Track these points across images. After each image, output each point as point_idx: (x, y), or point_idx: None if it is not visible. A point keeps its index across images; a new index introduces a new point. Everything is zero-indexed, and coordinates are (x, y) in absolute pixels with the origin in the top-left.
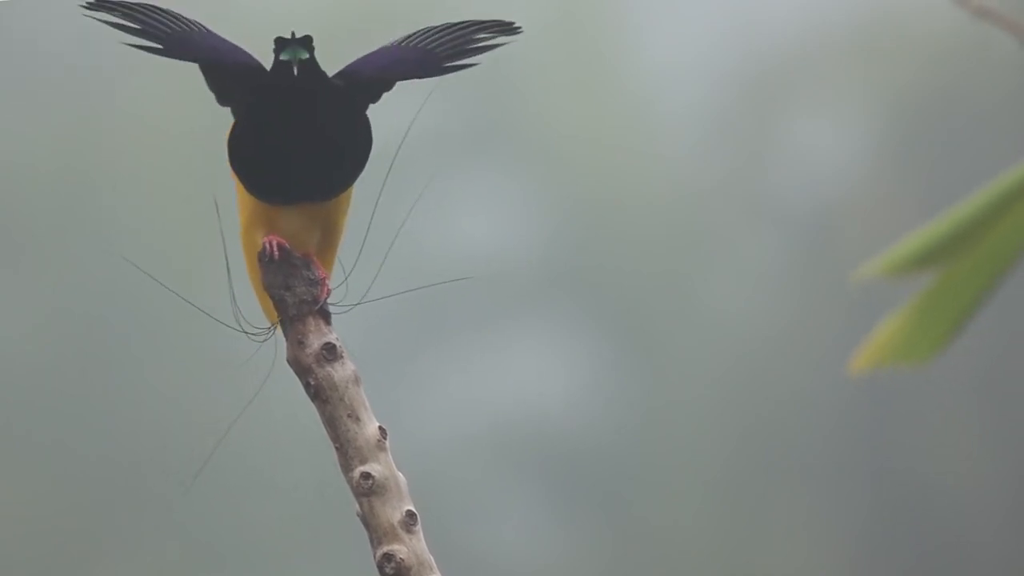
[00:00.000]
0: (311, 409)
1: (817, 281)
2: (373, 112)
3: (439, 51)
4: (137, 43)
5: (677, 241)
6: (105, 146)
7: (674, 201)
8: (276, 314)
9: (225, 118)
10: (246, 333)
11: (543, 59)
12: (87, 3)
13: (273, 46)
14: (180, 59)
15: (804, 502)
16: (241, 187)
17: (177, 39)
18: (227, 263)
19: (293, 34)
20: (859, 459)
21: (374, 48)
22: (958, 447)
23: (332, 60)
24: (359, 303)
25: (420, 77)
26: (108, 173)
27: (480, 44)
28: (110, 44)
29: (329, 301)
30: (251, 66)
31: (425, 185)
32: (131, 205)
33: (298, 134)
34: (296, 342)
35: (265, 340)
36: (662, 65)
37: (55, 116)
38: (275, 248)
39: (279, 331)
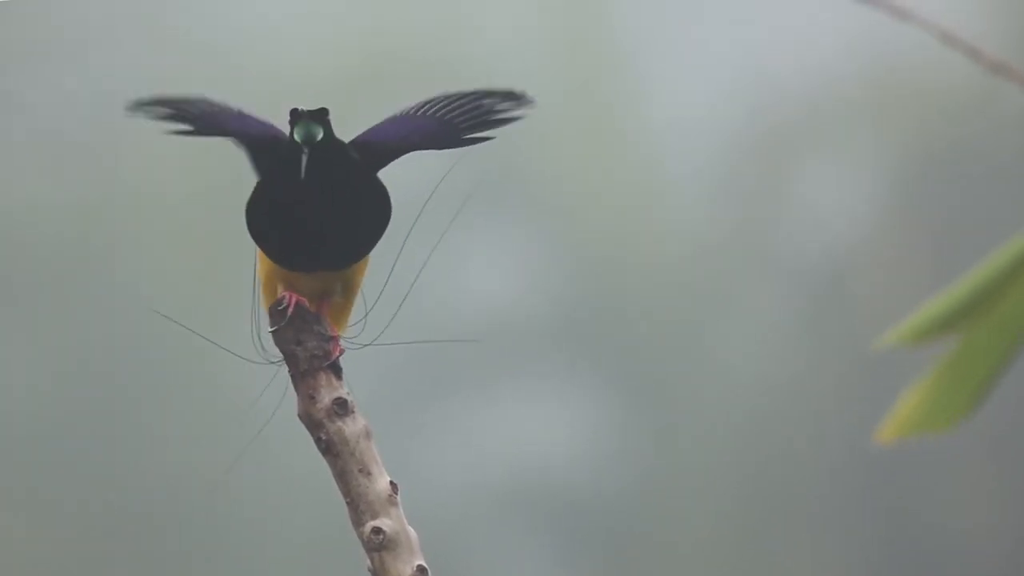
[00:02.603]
0: (322, 463)
1: (827, 336)
2: (391, 169)
3: (457, 122)
4: (173, 129)
5: (686, 296)
6: (118, 204)
7: (683, 257)
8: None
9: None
10: (267, 360)
11: (552, 116)
12: (130, 106)
13: (288, 116)
14: (209, 136)
15: (812, 556)
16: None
17: (206, 119)
18: (254, 289)
19: (301, 110)
20: (869, 516)
21: (385, 101)
22: (969, 497)
23: (345, 112)
24: (370, 344)
25: (439, 148)
26: (122, 228)
27: (499, 116)
28: (121, 101)
29: (345, 336)
30: (272, 138)
31: (436, 242)
32: (147, 257)
33: (315, 206)
34: (307, 397)
35: (279, 363)
36: (671, 120)
37: (68, 172)
38: (292, 304)
39: (290, 387)
